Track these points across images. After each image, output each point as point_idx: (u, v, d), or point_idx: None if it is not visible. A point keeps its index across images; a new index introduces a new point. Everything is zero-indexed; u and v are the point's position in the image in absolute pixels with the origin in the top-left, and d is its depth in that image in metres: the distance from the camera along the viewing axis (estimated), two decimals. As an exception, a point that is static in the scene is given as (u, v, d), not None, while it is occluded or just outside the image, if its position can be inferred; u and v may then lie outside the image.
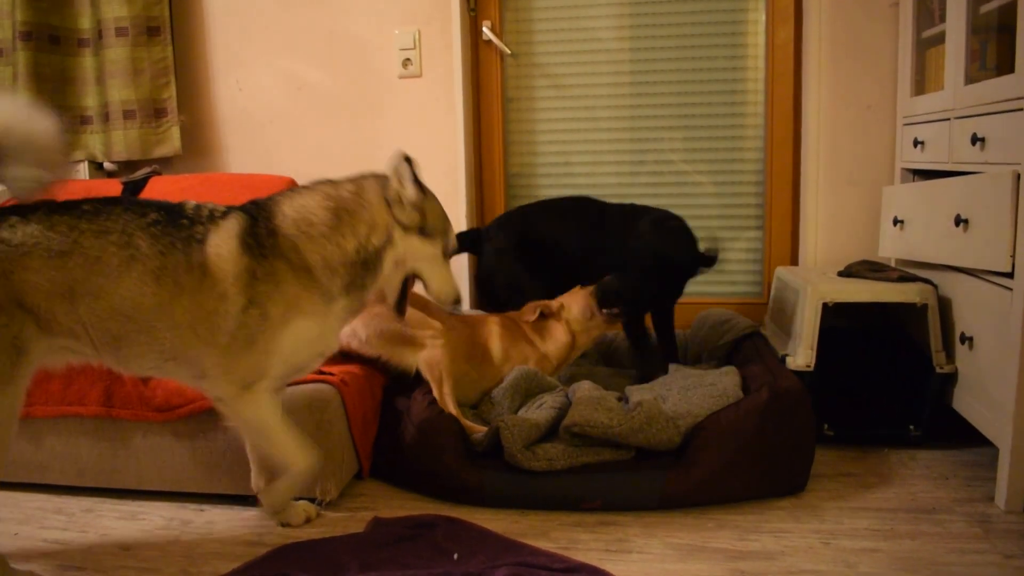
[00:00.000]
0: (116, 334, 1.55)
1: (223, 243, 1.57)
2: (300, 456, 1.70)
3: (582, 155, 3.08)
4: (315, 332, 1.65)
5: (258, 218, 1.63)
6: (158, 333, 1.56)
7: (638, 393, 2.12)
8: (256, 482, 1.82)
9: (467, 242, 2.61)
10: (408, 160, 1.71)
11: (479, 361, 2.24)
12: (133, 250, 1.54)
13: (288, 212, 1.65)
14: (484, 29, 2.99)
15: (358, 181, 1.73)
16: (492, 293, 2.56)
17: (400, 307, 1.80)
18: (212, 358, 1.58)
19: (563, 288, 2.43)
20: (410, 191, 1.69)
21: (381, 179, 1.73)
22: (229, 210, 1.64)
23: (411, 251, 1.73)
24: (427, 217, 1.73)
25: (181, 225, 1.58)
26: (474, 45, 3.03)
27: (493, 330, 2.30)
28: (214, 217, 1.61)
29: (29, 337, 1.50)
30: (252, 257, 1.58)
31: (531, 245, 2.52)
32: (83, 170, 3.10)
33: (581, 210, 2.55)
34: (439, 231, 1.76)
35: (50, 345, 1.55)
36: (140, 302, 1.53)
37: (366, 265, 1.68)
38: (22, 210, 1.52)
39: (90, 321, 1.53)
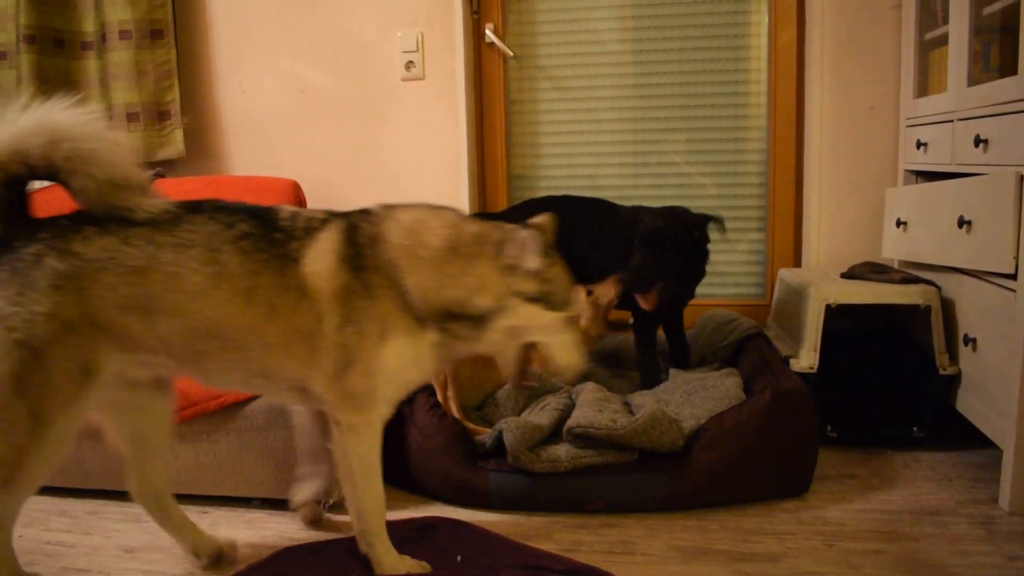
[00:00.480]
0: (199, 350, 1.45)
1: (320, 260, 1.44)
2: (370, 517, 1.54)
3: (585, 157, 3.08)
4: (413, 352, 1.48)
5: (360, 224, 1.49)
6: (247, 352, 1.45)
7: (640, 398, 2.12)
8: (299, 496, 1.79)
9: None
10: (536, 231, 1.50)
11: (483, 364, 2.23)
12: (219, 267, 1.41)
13: (402, 219, 1.50)
14: (487, 31, 2.99)
15: (484, 229, 1.53)
16: None
17: (519, 378, 1.58)
18: (319, 380, 1.46)
19: None
20: (532, 262, 1.48)
21: (499, 240, 1.50)
22: (327, 219, 1.50)
23: (532, 321, 1.51)
24: (552, 285, 1.51)
25: (275, 240, 1.44)
26: (477, 47, 3.04)
27: None
28: (310, 229, 1.47)
29: (102, 357, 1.41)
30: (349, 271, 1.44)
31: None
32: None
33: (592, 209, 2.54)
34: (564, 300, 1.55)
35: (128, 360, 1.45)
36: (227, 322, 1.42)
37: (462, 320, 1.49)
38: (99, 219, 1.41)
39: (171, 339, 1.43)
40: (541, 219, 1.59)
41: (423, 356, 1.50)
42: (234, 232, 1.43)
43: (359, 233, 1.47)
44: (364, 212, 1.53)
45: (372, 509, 1.53)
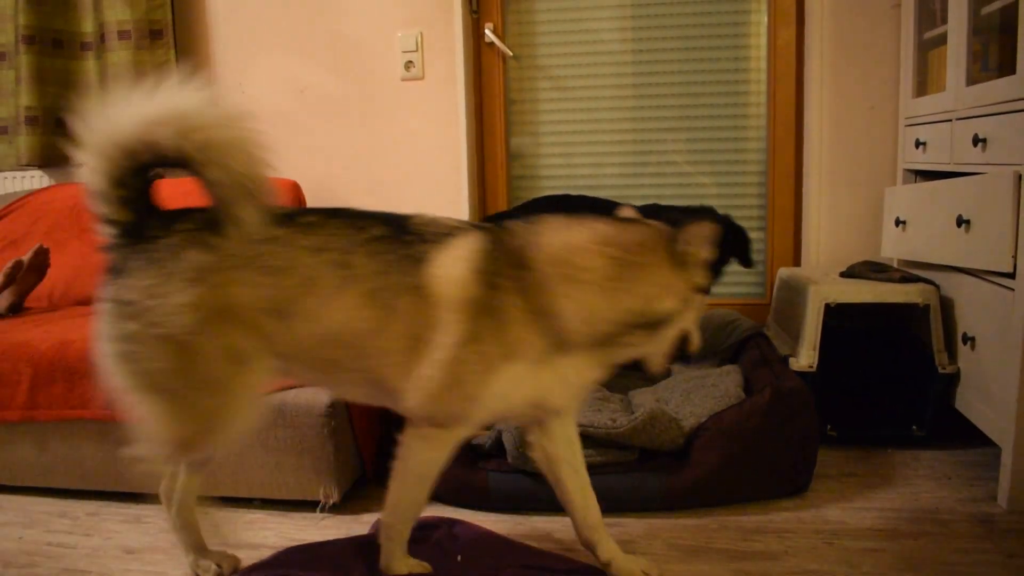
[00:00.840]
0: (330, 359, 1.39)
1: (450, 266, 1.35)
2: (406, 530, 1.51)
3: (584, 157, 3.08)
4: (530, 381, 1.39)
5: (502, 241, 1.40)
6: (369, 360, 1.39)
7: (640, 396, 2.12)
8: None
9: None
10: (715, 223, 1.44)
11: None
12: (349, 270, 1.36)
13: (549, 244, 1.39)
14: (486, 31, 2.99)
15: (642, 233, 1.44)
16: None
17: (668, 361, 1.52)
18: (413, 394, 1.38)
19: None
20: (707, 252, 1.42)
21: (666, 233, 1.43)
22: (465, 228, 1.42)
23: (701, 310, 1.49)
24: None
25: (404, 242, 1.38)
26: (476, 47, 3.04)
27: None
28: (445, 235, 1.39)
29: (251, 350, 1.36)
30: (482, 286, 1.35)
31: None
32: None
33: (601, 209, 2.54)
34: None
35: (273, 367, 1.40)
36: (354, 327, 1.36)
37: (641, 328, 1.41)
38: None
39: (305, 345, 1.38)
40: (629, 211, 1.56)
41: (551, 381, 1.41)
42: (366, 235, 1.38)
43: (500, 250, 1.38)
44: (503, 227, 1.44)
45: (409, 512, 1.51)
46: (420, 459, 1.44)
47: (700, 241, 1.40)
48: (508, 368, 1.36)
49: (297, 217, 1.41)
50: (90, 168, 1.34)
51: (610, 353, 1.43)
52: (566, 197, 2.57)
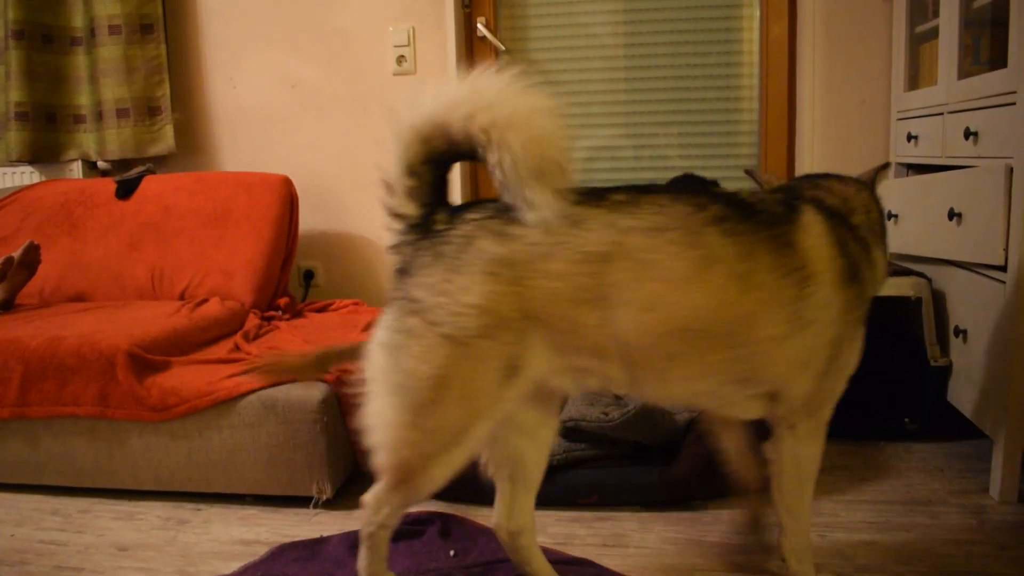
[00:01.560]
0: (670, 352, 1.24)
1: (819, 245, 1.28)
2: (805, 530, 1.43)
3: (577, 151, 3.08)
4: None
5: (825, 203, 1.37)
6: (737, 350, 1.25)
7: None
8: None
9: None
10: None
11: None
12: (706, 250, 1.21)
13: (840, 194, 1.42)
14: (478, 26, 2.98)
15: (851, 187, 1.50)
16: None
17: None
18: (804, 381, 1.30)
19: None
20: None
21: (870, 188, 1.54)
22: (792, 199, 1.34)
23: None
24: None
25: (758, 223, 1.26)
26: (468, 42, 3.03)
27: None
28: (787, 212, 1.30)
29: (529, 356, 1.22)
30: (843, 256, 1.30)
31: None
32: (76, 169, 3.09)
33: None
34: None
35: (557, 365, 1.25)
36: (719, 314, 1.22)
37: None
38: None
39: (633, 339, 1.22)
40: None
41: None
42: (709, 214, 1.23)
43: (830, 214, 1.34)
44: (807, 190, 1.41)
45: (807, 521, 1.42)
46: (808, 459, 1.37)
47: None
48: (862, 332, 1.36)
49: (605, 196, 1.25)
50: (390, 156, 1.29)
51: None
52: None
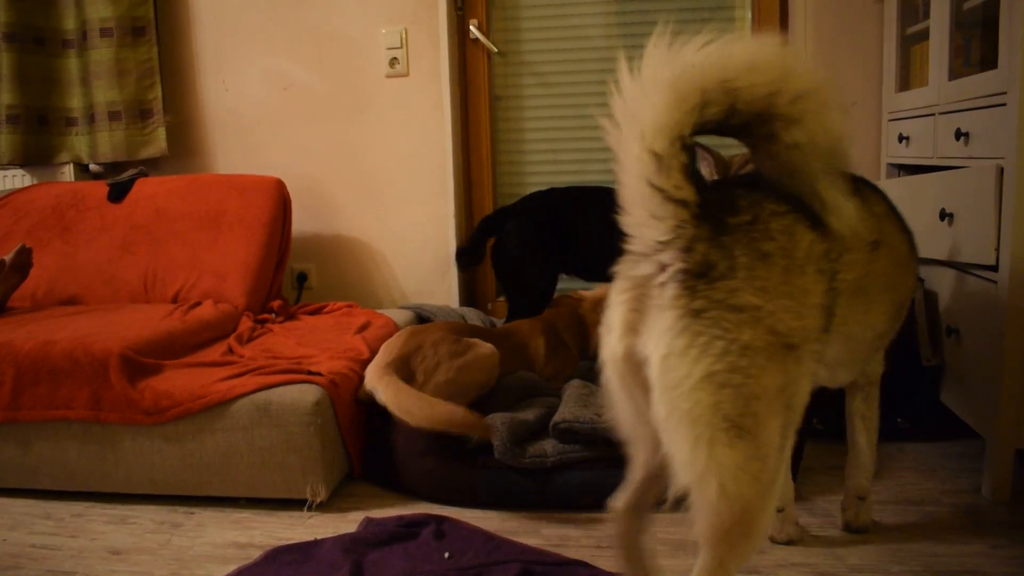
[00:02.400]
0: (860, 338, 1.30)
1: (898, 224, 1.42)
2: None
3: (570, 152, 3.08)
4: None
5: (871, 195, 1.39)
6: (892, 324, 1.40)
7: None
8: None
9: (494, 224, 2.57)
10: None
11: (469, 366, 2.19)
12: (891, 236, 1.33)
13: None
14: (471, 27, 2.99)
15: None
16: (513, 274, 2.54)
17: None
18: (879, 356, 1.58)
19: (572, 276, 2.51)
20: None
21: None
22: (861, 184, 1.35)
23: None
24: None
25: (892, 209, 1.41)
26: (461, 44, 3.03)
27: (539, 343, 2.27)
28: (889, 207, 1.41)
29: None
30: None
31: (554, 229, 2.51)
32: (68, 172, 3.08)
33: (603, 198, 2.54)
34: None
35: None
36: (896, 297, 1.35)
37: None
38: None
39: (853, 328, 1.22)
40: None
41: None
42: (886, 205, 1.40)
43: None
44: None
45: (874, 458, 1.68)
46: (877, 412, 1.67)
47: None
48: None
49: (864, 186, 1.32)
50: (646, 121, 1.01)
51: None
52: (551, 191, 2.58)
